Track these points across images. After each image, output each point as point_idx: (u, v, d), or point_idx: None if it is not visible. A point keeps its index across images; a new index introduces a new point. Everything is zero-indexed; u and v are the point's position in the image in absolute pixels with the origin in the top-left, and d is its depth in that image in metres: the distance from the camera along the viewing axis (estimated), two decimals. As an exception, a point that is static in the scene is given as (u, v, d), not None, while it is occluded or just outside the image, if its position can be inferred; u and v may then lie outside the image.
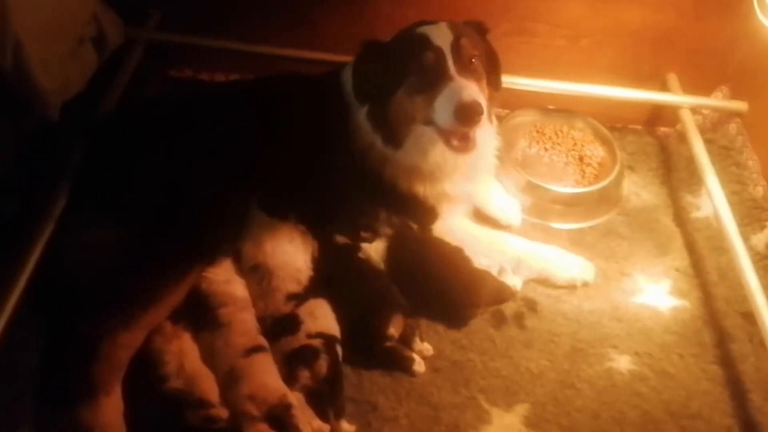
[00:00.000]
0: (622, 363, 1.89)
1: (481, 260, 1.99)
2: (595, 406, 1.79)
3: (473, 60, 1.80)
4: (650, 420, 1.77)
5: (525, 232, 2.17)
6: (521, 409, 1.77)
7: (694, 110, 2.46)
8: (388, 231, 2.00)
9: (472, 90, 1.72)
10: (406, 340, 1.83)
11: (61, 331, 1.69)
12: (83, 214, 1.83)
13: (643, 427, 1.76)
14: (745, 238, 2.05)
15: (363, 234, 1.97)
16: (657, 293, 2.07)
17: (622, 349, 1.91)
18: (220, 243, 1.86)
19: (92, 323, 1.64)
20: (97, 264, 1.72)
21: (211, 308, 1.77)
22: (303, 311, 1.79)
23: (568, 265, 2.06)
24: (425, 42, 1.78)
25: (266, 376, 1.66)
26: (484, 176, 2.09)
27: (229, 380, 1.66)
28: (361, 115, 1.91)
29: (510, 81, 2.33)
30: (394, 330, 1.80)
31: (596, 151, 2.38)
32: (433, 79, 1.76)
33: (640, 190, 2.38)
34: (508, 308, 1.98)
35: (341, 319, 1.82)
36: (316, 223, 2.00)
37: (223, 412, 1.62)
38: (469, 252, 1.98)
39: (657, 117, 2.60)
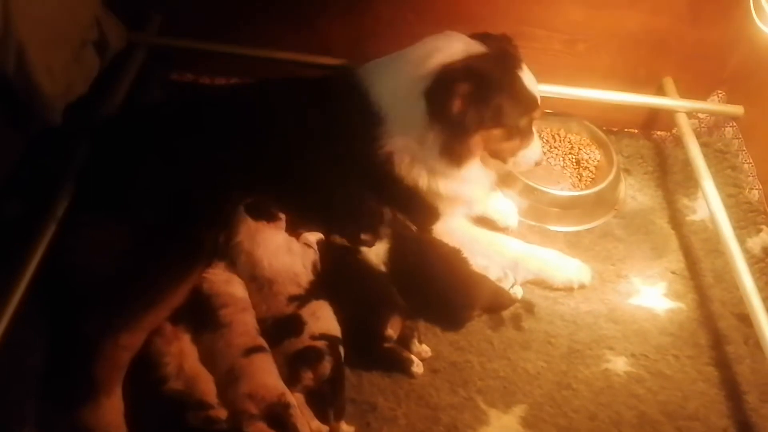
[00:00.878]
0: (619, 364, 1.90)
1: (479, 261, 2.00)
2: (592, 407, 1.80)
3: None
4: (647, 421, 1.78)
5: (522, 234, 2.19)
6: (519, 409, 1.78)
7: (690, 114, 2.47)
8: (387, 232, 2.00)
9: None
10: (404, 341, 1.84)
11: (63, 331, 1.70)
12: (86, 215, 1.84)
13: (640, 428, 1.77)
14: (741, 241, 2.06)
15: (363, 236, 1.98)
16: (653, 295, 2.09)
17: (619, 351, 1.93)
18: (216, 246, 1.86)
19: (94, 323, 1.65)
20: (99, 264, 1.73)
21: (212, 309, 1.77)
22: (305, 312, 1.79)
23: (565, 267, 2.07)
24: (534, 102, 1.94)
25: (265, 375, 1.67)
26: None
27: (228, 379, 1.67)
28: (395, 120, 1.89)
29: (507, 85, 2.36)
30: (392, 331, 1.81)
31: (593, 155, 2.40)
32: (524, 132, 1.96)
33: (637, 193, 2.40)
34: (506, 310, 2.00)
35: (340, 321, 1.83)
36: (317, 225, 2.01)
37: (222, 413, 1.63)
38: (467, 252, 1.99)
39: (653, 121, 2.61)
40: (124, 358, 1.66)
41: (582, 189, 2.30)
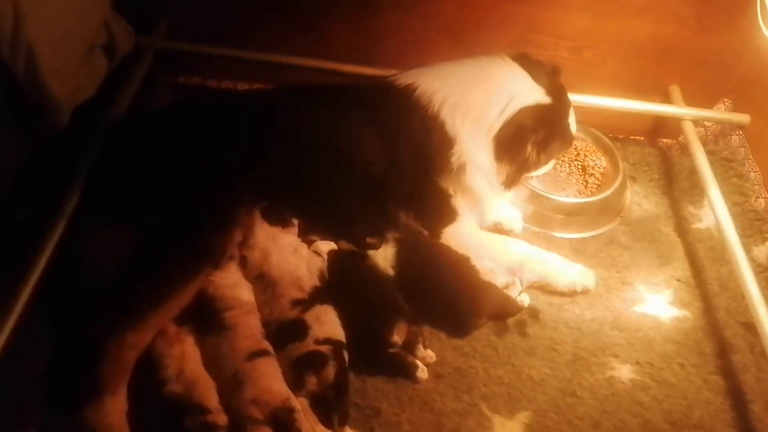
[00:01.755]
0: (624, 372, 1.90)
1: (485, 264, 2.01)
2: (596, 414, 1.80)
3: None
4: (651, 429, 1.78)
5: (527, 241, 2.18)
6: (523, 416, 1.78)
7: (697, 122, 2.48)
8: (395, 236, 2.02)
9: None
10: (409, 346, 1.84)
11: (70, 331, 1.71)
12: (93, 216, 1.85)
13: (644, 436, 1.77)
14: (747, 250, 2.06)
15: (369, 240, 1.99)
16: (658, 303, 2.08)
17: (624, 358, 1.92)
18: (228, 247, 1.87)
19: (100, 323, 1.66)
20: (106, 265, 1.74)
21: (217, 311, 1.78)
22: (310, 316, 1.80)
23: (569, 270, 2.08)
24: (571, 141, 2.23)
25: (270, 379, 1.67)
26: None
27: (232, 384, 1.67)
28: (464, 143, 2.02)
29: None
30: (397, 337, 1.82)
31: (599, 162, 2.40)
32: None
33: (642, 200, 2.39)
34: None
35: (345, 326, 1.83)
36: (326, 230, 2.03)
37: (221, 419, 1.62)
38: (474, 256, 2.01)
39: (659, 128, 2.61)
40: (129, 357, 1.66)
41: (588, 196, 2.30)
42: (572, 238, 2.24)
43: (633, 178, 2.46)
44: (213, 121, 2.03)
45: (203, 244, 1.81)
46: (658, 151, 2.58)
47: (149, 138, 1.99)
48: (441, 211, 2.09)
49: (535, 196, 2.25)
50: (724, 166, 2.44)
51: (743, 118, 2.44)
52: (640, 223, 2.31)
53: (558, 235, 2.25)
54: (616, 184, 2.28)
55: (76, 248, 1.82)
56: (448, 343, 1.92)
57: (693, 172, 2.36)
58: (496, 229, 2.19)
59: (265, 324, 1.81)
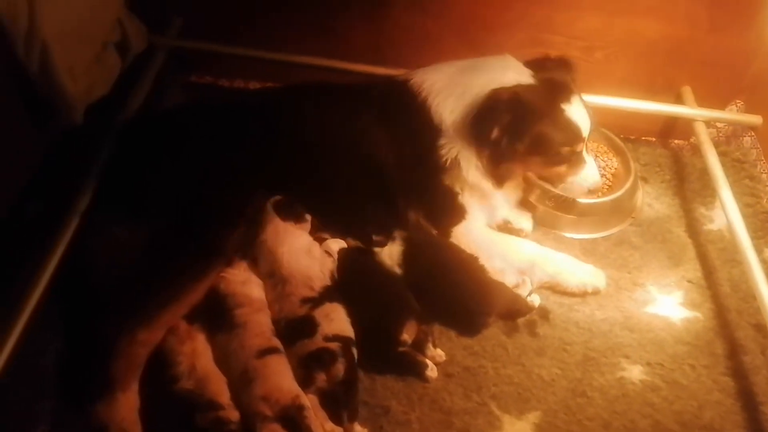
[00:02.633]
0: (634, 373, 1.89)
1: (495, 264, 2.01)
2: (606, 415, 1.79)
3: None
4: (661, 430, 1.77)
5: (537, 241, 2.17)
6: (533, 416, 1.78)
7: (709, 123, 2.47)
8: (402, 234, 2.02)
9: (596, 168, 2.11)
10: (419, 345, 1.84)
11: (81, 329, 1.72)
12: (105, 215, 1.87)
13: (655, 437, 1.76)
14: (758, 251, 2.05)
15: (375, 238, 1.99)
16: (669, 304, 2.08)
17: (634, 359, 1.92)
18: (238, 245, 1.88)
19: (112, 320, 1.67)
20: (118, 263, 1.75)
21: (227, 309, 1.79)
22: (318, 314, 1.80)
23: (580, 271, 2.07)
24: (578, 134, 2.00)
25: (280, 377, 1.67)
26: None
27: (243, 381, 1.68)
28: (454, 133, 1.98)
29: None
30: (407, 335, 1.82)
31: (610, 162, 2.39)
32: (570, 160, 2.04)
33: (654, 201, 2.39)
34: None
35: (355, 324, 1.83)
36: (337, 228, 2.03)
37: (233, 415, 1.63)
38: (484, 255, 2.01)
39: (671, 129, 2.60)
40: (141, 354, 1.68)
41: (599, 196, 2.29)
42: (583, 239, 2.24)
43: (644, 179, 2.45)
44: (223, 120, 2.04)
45: (213, 242, 1.82)
46: (669, 152, 2.57)
47: (160, 138, 2.00)
48: (448, 210, 2.08)
49: (545, 196, 2.24)
50: (736, 167, 2.44)
51: (755, 119, 2.43)
52: (651, 224, 2.31)
53: (568, 235, 2.24)
54: (628, 184, 2.27)
55: (87, 246, 1.84)
56: (458, 343, 1.92)
57: (704, 173, 2.35)
58: (507, 228, 2.19)
59: (275, 321, 1.82)
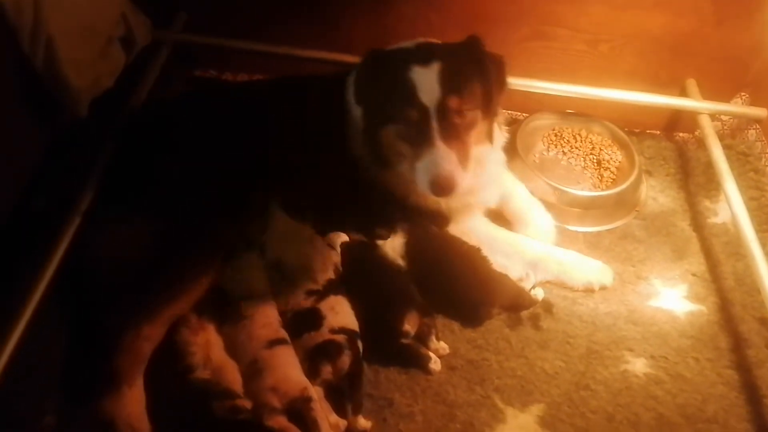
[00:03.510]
0: (638, 366, 1.89)
1: (498, 260, 2.01)
2: (610, 408, 1.80)
3: (462, 115, 1.77)
4: (665, 423, 1.78)
5: (542, 234, 2.18)
6: (536, 409, 1.79)
7: (713, 116, 2.46)
8: (404, 227, 2.01)
9: (451, 162, 1.73)
10: (422, 338, 1.85)
11: (86, 324, 1.73)
12: (109, 209, 1.87)
13: (658, 430, 1.76)
14: (763, 244, 2.04)
15: (378, 231, 1.99)
16: (673, 297, 2.08)
17: (638, 352, 1.92)
18: (242, 239, 1.89)
19: (116, 316, 1.67)
20: (122, 258, 1.75)
21: (234, 301, 1.79)
22: (324, 306, 1.81)
23: (586, 269, 2.06)
24: (412, 96, 1.74)
25: (289, 368, 1.68)
26: (492, 187, 2.10)
27: (251, 371, 1.69)
28: (358, 124, 1.93)
29: (529, 84, 2.36)
30: (410, 327, 1.82)
31: (614, 155, 2.39)
32: (417, 136, 1.77)
33: (658, 194, 2.38)
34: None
35: (358, 316, 1.84)
36: (334, 222, 2.03)
37: (247, 403, 1.64)
38: (487, 252, 2.00)
39: (676, 122, 2.60)
40: (145, 349, 1.68)
41: (603, 189, 2.29)
42: (587, 232, 2.24)
43: (649, 172, 2.45)
44: (227, 114, 2.04)
45: (219, 236, 1.83)
46: (674, 145, 2.57)
47: (164, 131, 2.00)
48: (420, 214, 2.02)
49: (550, 190, 2.24)
50: (741, 160, 2.43)
51: (760, 112, 2.42)
52: (656, 218, 2.30)
53: (573, 228, 2.24)
54: (632, 178, 2.27)
55: (92, 240, 1.84)
56: (462, 335, 1.92)
57: (709, 167, 2.35)
58: (509, 226, 2.17)
59: (281, 313, 1.82)
